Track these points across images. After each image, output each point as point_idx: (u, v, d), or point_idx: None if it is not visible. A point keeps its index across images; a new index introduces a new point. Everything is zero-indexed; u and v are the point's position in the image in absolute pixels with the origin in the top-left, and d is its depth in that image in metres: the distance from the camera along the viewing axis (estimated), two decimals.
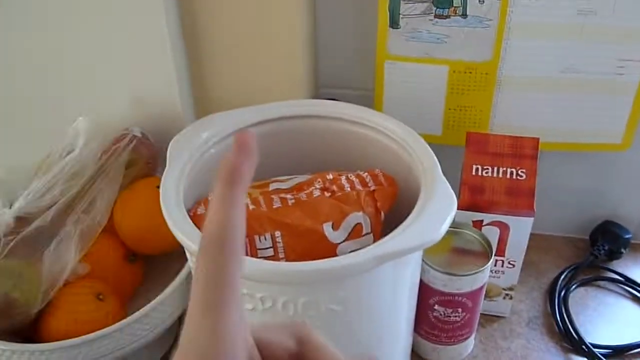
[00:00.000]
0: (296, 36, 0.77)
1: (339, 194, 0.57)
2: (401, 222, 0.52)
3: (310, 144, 0.69)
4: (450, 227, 0.53)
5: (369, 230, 0.57)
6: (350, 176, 0.59)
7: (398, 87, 0.79)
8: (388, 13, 0.74)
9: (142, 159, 0.76)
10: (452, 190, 0.55)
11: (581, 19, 0.72)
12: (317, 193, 0.57)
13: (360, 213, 0.56)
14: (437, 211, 0.52)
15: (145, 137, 0.78)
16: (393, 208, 0.60)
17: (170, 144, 0.63)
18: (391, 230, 0.51)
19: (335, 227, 0.55)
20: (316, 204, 0.56)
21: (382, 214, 0.59)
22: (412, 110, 0.81)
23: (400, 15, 0.74)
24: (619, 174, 0.87)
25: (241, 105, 0.69)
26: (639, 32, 0.73)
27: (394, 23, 0.75)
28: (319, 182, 0.58)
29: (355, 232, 0.56)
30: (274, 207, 0.56)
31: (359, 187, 0.58)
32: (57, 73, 0.82)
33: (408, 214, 0.53)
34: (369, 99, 0.82)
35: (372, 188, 0.58)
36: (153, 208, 0.56)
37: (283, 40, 0.78)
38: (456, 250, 0.69)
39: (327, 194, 0.57)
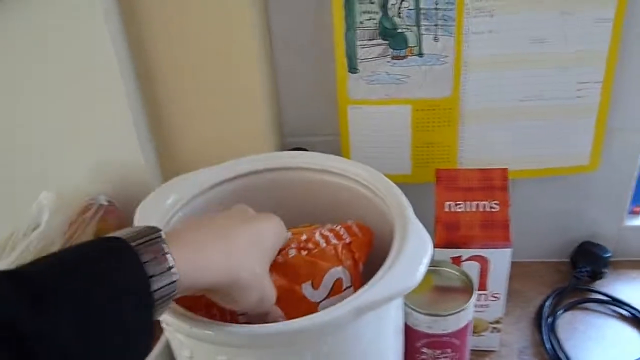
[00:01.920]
0: (257, 88, 0.77)
1: (315, 250, 0.55)
2: (378, 268, 0.51)
3: (280, 197, 0.68)
4: (429, 266, 0.52)
5: (349, 284, 0.56)
6: (324, 231, 0.58)
7: (363, 130, 0.79)
8: (346, 58, 0.75)
9: (110, 228, 0.75)
10: (426, 232, 0.54)
11: (535, 48, 0.73)
12: (292, 252, 0.55)
13: (340, 267, 0.55)
14: (412, 256, 0.51)
15: (112, 204, 0.77)
16: (369, 255, 0.59)
17: (136, 211, 0.61)
18: (368, 277, 0.50)
19: (315, 285, 0.54)
20: (293, 265, 0.54)
21: (361, 264, 0.58)
22: (380, 152, 0.80)
23: (358, 60, 0.75)
24: (592, 194, 0.87)
25: (207, 162, 0.68)
26: (593, 55, 0.74)
27: (352, 68, 0.75)
28: (294, 242, 0.56)
29: (336, 288, 0.54)
30: None
31: (334, 241, 0.57)
32: (16, 147, 0.80)
33: (384, 260, 0.52)
34: (336, 143, 0.82)
35: (348, 240, 0.57)
36: None
37: (244, 93, 0.78)
38: (438, 289, 0.67)
39: (303, 252, 0.55)
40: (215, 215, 0.51)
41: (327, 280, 0.54)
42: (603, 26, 0.72)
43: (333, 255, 0.55)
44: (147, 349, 0.38)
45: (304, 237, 0.56)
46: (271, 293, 0.50)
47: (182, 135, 0.82)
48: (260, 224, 0.51)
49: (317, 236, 0.57)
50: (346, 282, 0.55)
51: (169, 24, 0.74)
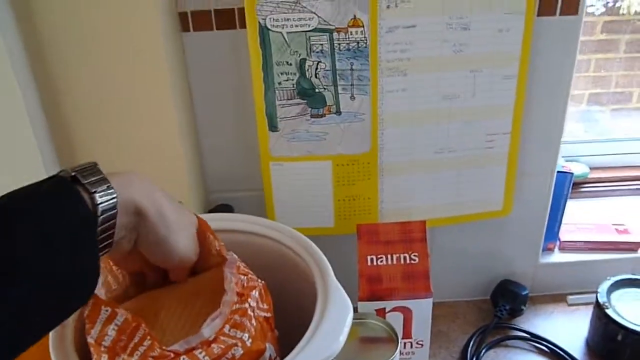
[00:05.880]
0: (178, 149, 0.77)
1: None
2: (297, 327, 0.52)
3: None
4: (354, 319, 0.53)
5: (276, 354, 0.56)
6: (234, 331, 0.52)
7: (286, 186, 0.81)
8: (266, 117, 0.76)
9: None
10: (347, 298, 0.55)
11: (447, 103, 0.77)
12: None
13: (267, 344, 0.55)
14: (334, 323, 0.52)
15: None
16: (292, 317, 0.59)
17: None
18: (287, 335, 0.52)
19: None
20: None
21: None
22: (303, 206, 0.82)
23: (278, 119, 0.76)
24: (507, 236, 0.91)
25: None
26: (500, 108, 0.78)
27: (273, 126, 0.77)
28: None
29: None
30: None
31: (250, 326, 0.55)
32: None
33: (303, 319, 0.53)
34: (261, 199, 0.83)
35: (264, 315, 0.56)
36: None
37: (165, 154, 0.78)
38: (363, 340, 0.69)
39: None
40: None
41: None
42: (509, 82, 0.77)
43: (262, 337, 0.55)
44: (94, 263, 0.41)
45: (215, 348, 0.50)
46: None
47: None
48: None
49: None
50: (274, 355, 0.56)
51: (87, 83, 0.74)
